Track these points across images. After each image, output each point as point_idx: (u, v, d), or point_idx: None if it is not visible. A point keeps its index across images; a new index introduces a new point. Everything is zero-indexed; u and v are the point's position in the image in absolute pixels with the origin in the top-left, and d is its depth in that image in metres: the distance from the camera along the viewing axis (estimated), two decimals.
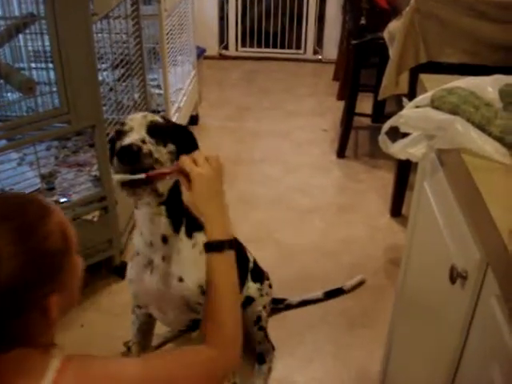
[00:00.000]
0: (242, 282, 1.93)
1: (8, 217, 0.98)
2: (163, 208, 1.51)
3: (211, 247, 1.30)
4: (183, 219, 1.58)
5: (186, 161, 1.31)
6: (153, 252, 1.57)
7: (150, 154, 1.37)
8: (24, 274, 0.95)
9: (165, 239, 1.55)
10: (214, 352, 1.22)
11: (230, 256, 1.31)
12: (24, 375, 0.99)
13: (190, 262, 1.58)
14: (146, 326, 1.88)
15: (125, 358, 1.87)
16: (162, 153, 1.42)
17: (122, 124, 1.44)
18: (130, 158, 1.34)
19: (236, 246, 1.36)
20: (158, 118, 1.46)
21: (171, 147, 1.45)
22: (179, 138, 1.49)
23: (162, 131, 1.44)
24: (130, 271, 1.67)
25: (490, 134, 1.18)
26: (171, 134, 1.46)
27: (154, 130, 1.42)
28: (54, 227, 1.01)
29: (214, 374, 1.24)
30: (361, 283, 2.57)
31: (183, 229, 1.58)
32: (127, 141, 1.37)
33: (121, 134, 1.42)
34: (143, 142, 1.38)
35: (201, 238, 1.59)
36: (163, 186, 1.46)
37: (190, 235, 1.59)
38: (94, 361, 1.07)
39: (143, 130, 1.41)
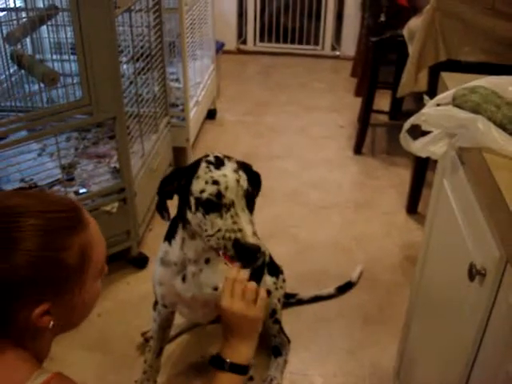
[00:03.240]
0: (260, 276, 1.95)
1: (43, 213, 0.99)
2: None
3: (213, 362, 1.26)
4: None
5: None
6: (191, 265, 1.58)
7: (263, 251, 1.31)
8: (27, 270, 0.96)
9: (208, 260, 1.57)
10: None
11: (227, 378, 1.24)
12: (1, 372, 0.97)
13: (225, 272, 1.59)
14: (166, 323, 1.90)
15: None
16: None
17: (218, 195, 1.35)
18: (250, 259, 1.31)
19: None
20: (244, 176, 1.39)
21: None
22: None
23: (251, 195, 1.40)
24: (161, 275, 1.66)
25: (511, 134, 1.18)
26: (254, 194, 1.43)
27: (248, 199, 1.38)
28: (76, 244, 1.01)
29: None
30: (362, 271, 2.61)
31: None
32: (251, 238, 1.31)
33: (217, 207, 1.35)
34: (254, 230, 1.32)
35: None
36: None
37: None
38: None
39: (244, 204, 1.36)
